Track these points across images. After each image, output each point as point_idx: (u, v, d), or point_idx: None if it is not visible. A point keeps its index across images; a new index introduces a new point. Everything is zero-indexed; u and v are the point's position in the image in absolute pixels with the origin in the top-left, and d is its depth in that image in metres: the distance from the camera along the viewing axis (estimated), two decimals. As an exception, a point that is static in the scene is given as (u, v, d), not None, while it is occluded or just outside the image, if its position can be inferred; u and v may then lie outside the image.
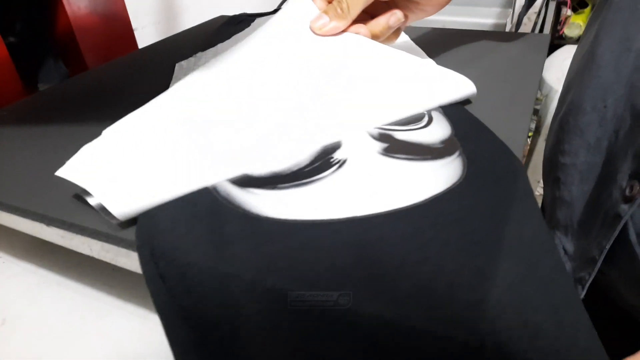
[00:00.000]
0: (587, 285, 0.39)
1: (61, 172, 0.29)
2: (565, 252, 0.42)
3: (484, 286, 0.21)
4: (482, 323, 0.20)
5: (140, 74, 0.54)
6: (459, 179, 0.28)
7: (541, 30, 1.24)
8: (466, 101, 0.39)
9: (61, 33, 0.58)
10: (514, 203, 0.26)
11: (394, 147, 0.31)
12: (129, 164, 0.30)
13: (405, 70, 0.39)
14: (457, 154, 0.30)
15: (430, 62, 0.44)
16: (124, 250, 0.27)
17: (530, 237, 0.24)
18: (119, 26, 0.65)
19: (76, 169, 0.30)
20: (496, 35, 0.56)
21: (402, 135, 0.32)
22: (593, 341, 0.21)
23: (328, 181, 0.28)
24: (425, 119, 0.34)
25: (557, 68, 1.08)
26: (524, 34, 0.55)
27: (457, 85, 0.38)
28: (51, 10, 0.57)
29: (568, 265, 0.41)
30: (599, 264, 0.37)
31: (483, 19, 0.67)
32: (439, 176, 0.28)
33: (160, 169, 0.29)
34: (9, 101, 0.49)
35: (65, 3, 0.56)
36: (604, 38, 0.38)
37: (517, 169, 0.28)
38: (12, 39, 0.54)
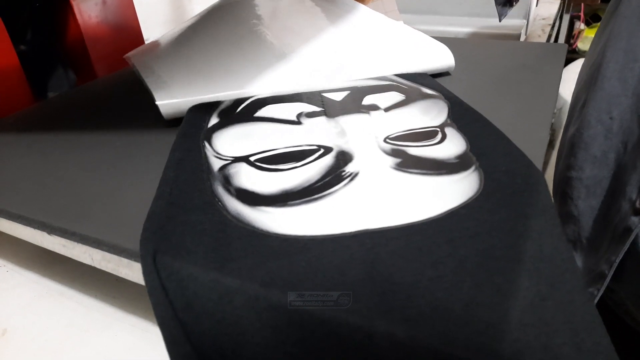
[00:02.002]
0: (596, 301, 0.38)
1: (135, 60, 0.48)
2: None
3: (503, 305, 0.20)
4: (502, 346, 0.19)
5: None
6: (475, 194, 0.27)
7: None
8: (444, 72, 0.47)
9: (72, 42, 0.58)
10: (533, 217, 0.25)
11: (407, 162, 0.30)
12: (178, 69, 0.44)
13: (390, 36, 0.49)
14: (473, 168, 0.29)
15: (412, 30, 0.51)
16: (125, 261, 0.26)
17: (550, 253, 0.23)
18: (130, 36, 0.65)
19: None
20: (513, 44, 0.56)
21: (415, 150, 0.31)
22: None
23: (339, 195, 0.28)
24: (439, 136, 0.33)
25: (570, 81, 1.07)
26: (540, 44, 0.55)
27: (436, 55, 0.47)
28: (62, 19, 0.57)
29: None
30: (607, 280, 0.37)
31: (497, 30, 0.67)
32: (454, 191, 0.27)
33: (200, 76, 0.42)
34: (18, 109, 0.49)
35: (77, 12, 0.56)
36: (609, 49, 0.38)
37: (537, 181, 0.27)
38: (22, 47, 0.54)
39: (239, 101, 0.39)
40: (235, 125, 0.36)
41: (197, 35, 0.49)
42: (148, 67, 0.46)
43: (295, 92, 0.42)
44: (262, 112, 0.38)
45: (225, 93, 0.41)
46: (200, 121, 0.37)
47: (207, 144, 0.34)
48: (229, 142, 0.34)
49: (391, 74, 0.45)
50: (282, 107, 0.38)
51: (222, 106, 0.39)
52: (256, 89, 0.42)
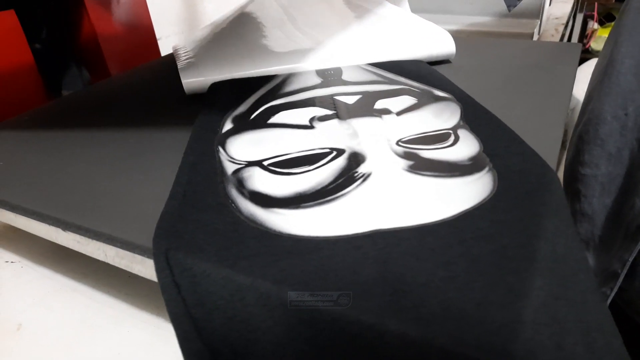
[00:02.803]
0: (609, 301, 0.38)
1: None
2: None
3: (516, 305, 0.20)
4: (515, 346, 0.19)
5: (161, 81, 0.54)
6: (489, 195, 0.27)
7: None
8: (444, 62, 0.50)
9: (85, 41, 0.59)
10: (547, 217, 0.24)
11: (420, 165, 0.30)
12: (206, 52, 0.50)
13: (394, 21, 0.53)
14: (486, 169, 0.29)
15: (414, 15, 0.56)
16: (139, 257, 0.27)
17: (564, 253, 0.23)
18: (143, 35, 0.66)
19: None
20: (526, 43, 0.56)
21: (428, 153, 0.31)
22: None
23: (352, 196, 0.28)
24: (452, 139, 0.33)
25: (584, 81, 1.06)
26: (554, 43, 0.55)
27: (438, 41, 0.50)
28: (76, 18, 0.58)
29: None
30: (620, 279, 0.36)
31: (510, 29, 0.66)
32: (468, 192, 0.27)
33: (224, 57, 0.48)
34: (33, 106, 0.50)
35: (90, 11, 0.56)
36: (624, 44, 0.37)
37: (551, 181, 0.27)
38: (37, 46, 0.55)
39: (253, 108, 0.40)
40: (248, 132, 0.36)
41: (229, 25, 0.55)
42: (181, 48, 0.54)
43: (308, 88, 0.42)
44: (275, 119, 0.38)
45: (241, 73, 0.47)
46: (214, 125, 0.37)
47: (220, 149, 0.34)
48: (243, 147, 0.34)
49: (395, 59, 0.49)
50: (295, 113, 0.38)
51: (236, 112, 0.39)
52: (274, 69, 0.48)
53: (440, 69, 0.46)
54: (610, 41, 0.42)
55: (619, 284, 0.37)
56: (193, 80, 0.47)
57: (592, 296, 0.21)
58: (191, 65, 0.48)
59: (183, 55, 0.51)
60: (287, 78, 0.45)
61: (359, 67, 0.47)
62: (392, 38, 0.51)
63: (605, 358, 0.19)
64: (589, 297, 0.21)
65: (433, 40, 0.50)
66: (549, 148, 0.31)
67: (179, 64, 0.49)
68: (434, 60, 0.50)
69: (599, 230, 0.39)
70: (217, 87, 0.46)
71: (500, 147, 0.31)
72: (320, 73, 0.46)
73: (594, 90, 0.42)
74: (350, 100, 0.40)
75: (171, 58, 0.63)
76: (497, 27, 0.67)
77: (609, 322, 0.20)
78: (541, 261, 0.22)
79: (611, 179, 0.38)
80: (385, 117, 0.37)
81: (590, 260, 0.40)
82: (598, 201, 0.39)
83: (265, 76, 0.46)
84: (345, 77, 0.45)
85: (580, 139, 0.41)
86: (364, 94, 0.41)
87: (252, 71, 0.47)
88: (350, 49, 0.49)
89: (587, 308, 0.21)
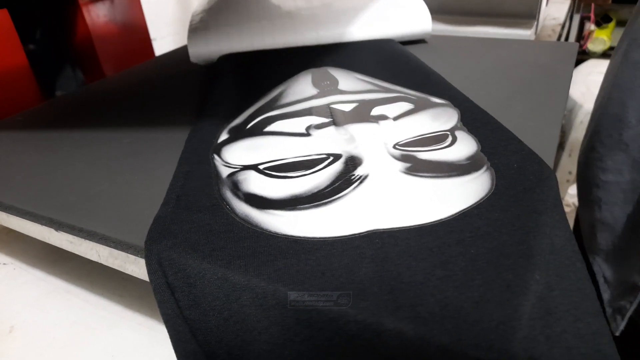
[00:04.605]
0: (628, 315, 0.36)
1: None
2: (605, 279, 0.39)
3: (513, 302, 0.20)
4: (513, 344, 0.19)
5: (156, 82, 0.54)
6: (487, 193, 0.26)
7: (564, 44, 1.21)
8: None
9: (80, 42, 0.59)
10: (544, 213, 0.24)
11: (417, 167, 0.30)
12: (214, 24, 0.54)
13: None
14: (484, 168, 0.29)
15: None
16: (132, 257, 0.26)
17: (562, 245, 0.23)
18: (137, 36, 0.66)
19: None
20: (524, 43, 0.55)
21: (425, 155, 0.31)
22: (610, 351, 0.19)
23: (349, 198, 0.27)
24: (449, 139, 0.33)
25: (581, 83, 1.06)
26: (551, 42, 0.54)
27: (413, 21, 0.55)
28: (70, 19, 0.57)
29: (607, 294, 0.38)
30: None
31: (506, 28, 0.66)
32: (466, 192, 0.27)
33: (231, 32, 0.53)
34: (27, 107, 0.49)
35: (85, 12, 0.56)
36: None
37: (548, 177, 0.27)
38: (31, 47, 0.55)
39: (249, 119, 0.39)
40: (244, 140, 0.36)
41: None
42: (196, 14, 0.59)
43: (306, 102, 0.42)
44: (271, 128, 0.38)
45: (241, 44, 0.54)
46: (209, 137, 0.37)
47: (216, 156, 0.34)
48: (238, 153, 0.34)
49: (373, 33, 0.55)
50: (291, 122, 0.38)
51: (233, 124, 0.39)
52: (272, 41, 0.55)
53: (438, 69, 0.46)
54: (625, 42, 0.40)
55: (639, 297, 0.35)
56: (198, 49, 0.53)
57: (587, 284, 0.21)
58: (199, 33, 0.54)
59: (194, 20, 0.57)
60: (283, 90, 0.45)
61: (355, 77, 0.47)
62: (373, 10, 0.57)
63: (593, 342, 0.19)
64: (584, 285, 0.21)
65: (411, 18, 0.56)
66: (546, 147, 0.31)
67: (188, 30, 0.55)
68: (409, 38, 0.56)
69: (621, 240, 0.38)
70: (223, 62, 0.52)
71: (498, 146, 0.31)
72: (316, 84, 0.46)
73: (612, 92, 0.40)
74: (347, 108, 0.40)
75: (166, 59, 0.63)
76: (494, 26, 0.67)
77: (598, 310, 0.21)
78: (538, 256, 0.22)
79: (635, 187, 0.36)
80: (382, 122, 0.36)
81: (609, 271, 0.39)
82: (620, 210, 0.37)
83: (263, 88, 0.46)
84: (341, 87, 0.45)
85: (601, 143, 0.39)
86: (361, 102, 0.41)
87: (256, 44, 0.54)
88: (335, 21, 0.56)
89: (581, 296, 0.21)
